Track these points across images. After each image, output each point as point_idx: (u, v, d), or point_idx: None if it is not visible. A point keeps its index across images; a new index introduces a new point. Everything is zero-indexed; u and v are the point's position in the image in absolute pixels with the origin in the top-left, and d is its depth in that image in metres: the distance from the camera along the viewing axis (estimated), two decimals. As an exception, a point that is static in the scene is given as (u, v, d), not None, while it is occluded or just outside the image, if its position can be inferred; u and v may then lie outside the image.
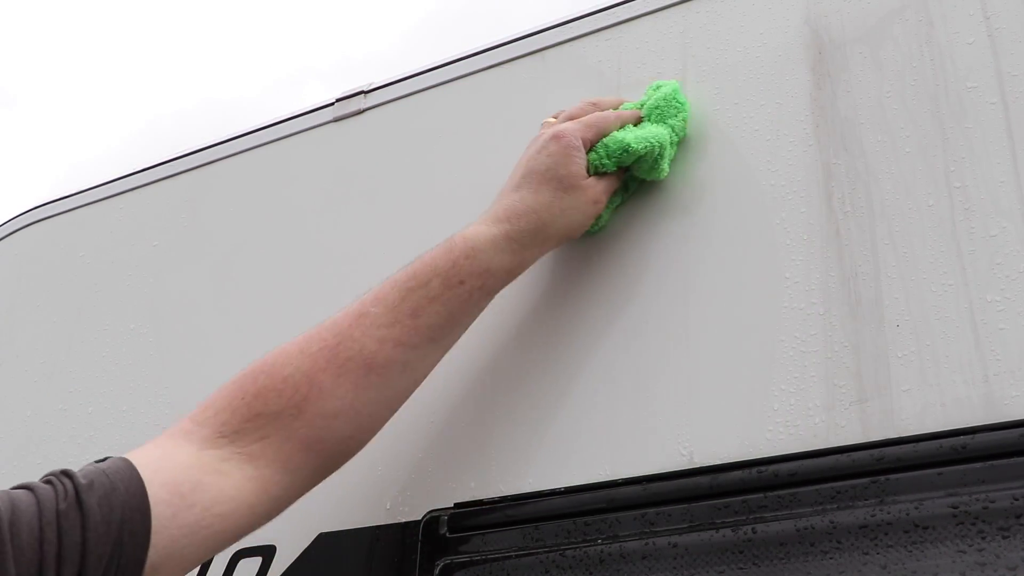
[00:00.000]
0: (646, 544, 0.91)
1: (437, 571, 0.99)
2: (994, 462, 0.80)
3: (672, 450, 0.95)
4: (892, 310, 0.92)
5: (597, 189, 1.06)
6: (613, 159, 1.05)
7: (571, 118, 1.08)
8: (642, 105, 1.11)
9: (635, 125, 1.09)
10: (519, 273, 1.04)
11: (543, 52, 1.27)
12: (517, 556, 0.97)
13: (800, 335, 0.95)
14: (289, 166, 1.43)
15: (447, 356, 1.03)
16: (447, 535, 1.01)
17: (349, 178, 1.36)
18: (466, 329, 1.02)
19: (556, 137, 1.04)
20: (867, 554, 0.82)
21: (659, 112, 1.09)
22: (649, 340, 1.02)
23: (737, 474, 0.90)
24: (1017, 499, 0.78)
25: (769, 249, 1.00)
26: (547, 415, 1.03)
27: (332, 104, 1.42)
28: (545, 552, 0.95)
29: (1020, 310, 0.86)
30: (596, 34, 1.23)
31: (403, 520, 1.04)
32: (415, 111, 1.34)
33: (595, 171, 1.06)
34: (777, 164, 1.04)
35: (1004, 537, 0.78)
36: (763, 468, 0.89)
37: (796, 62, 1.07)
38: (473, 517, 1.01)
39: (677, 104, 1.09)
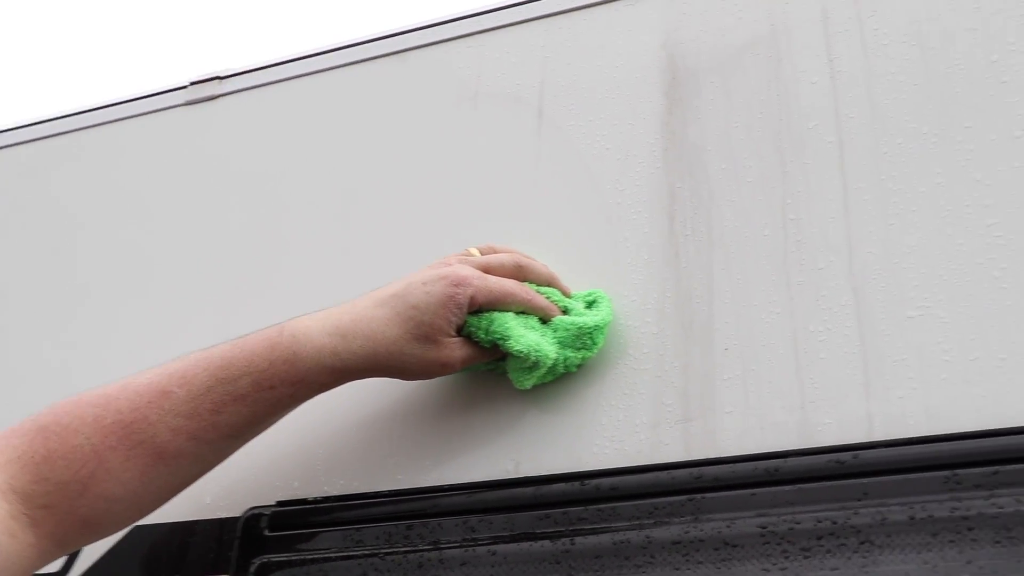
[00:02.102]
0: (466, 551, 0.92)
1: (253, 569, 0.98)
2: (802, 485, 0.84)
3: (499, 460, 0.96)
4: (722, 333, 0.95)
5: (456, 353, 0.93)
6: (488, 337, 0.93)
7: (489, 267, 0.96)
8: (565, 309, 0.98)
9: (542, 321, 0.97)
10: (333, 387, 0.94)
11: (405, 53, 1.27)
12: (337, 558, 0.96)
13: (633, 352, 0.97)
14: (137, 146, 1.40)
15: None
16: (267, 533, 0.99)
17: (196, 163, 1.34)
18: (269, 427, 0.95)
19: (449, 281, 0.92)
20: (678, 569, 0.84)
21: (564, 334, 0.96)
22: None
23: (560, 486, 0.92)
24: (820, 521, 0.82)
25: (611, 266, 1.02)
26: (376, 420, 1.03)
27: (185, 87, 1.39)
28: (365, 555, 0.95)
29: (839, 342, 0.90)
30: (459, 40, 1.24)
31: (222, 516, 1.03)
32: (271, 101, 1.33)
33: (466, 334, 0.94)
34: (625, 183, 1.06)
35: (805, 557, 0.81)
36: (586, 481, 0.91)
37: (650, 85, 1.10)
38: (295, 516, 1.00)
39: (588, 341, 0.96)
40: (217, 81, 1.37)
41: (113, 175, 1.39)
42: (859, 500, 0.81)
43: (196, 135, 1.36)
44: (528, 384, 0.95)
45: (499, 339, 0.93)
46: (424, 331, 0.91)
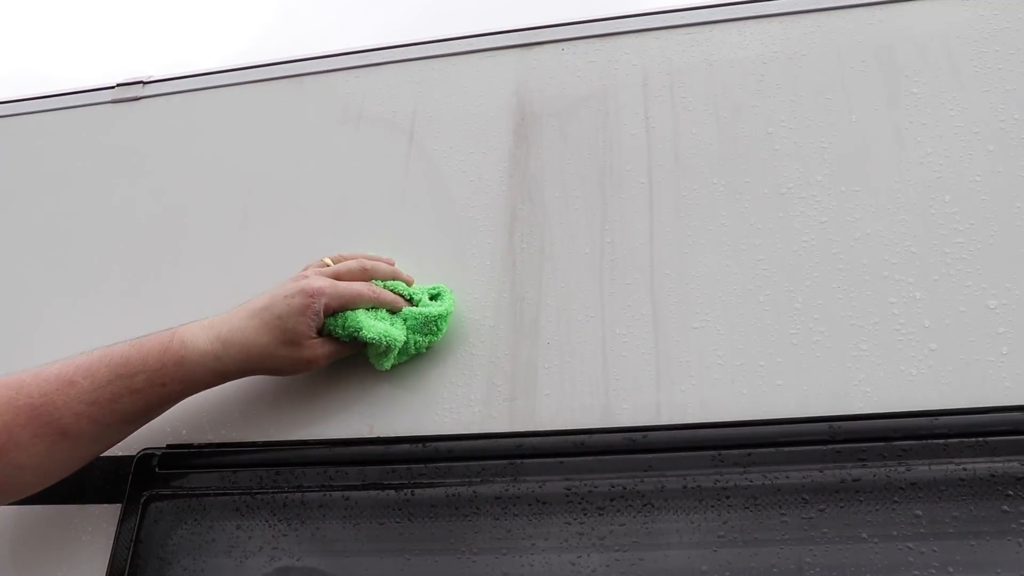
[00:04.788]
0: (324, 496, 0.90)
1: (143, 499, 0.94)
2: (602, 457, 0.86)
3: (356, 422, 0.95)
4: (546, 330, 0.96)
5: (318, 351, 0.93)
6: (345, 333, 0.93)
7: (339, 274, 0.96)
8: (410, 297, 0.98)
9: (391, 312, 0.97)
10: (216, 386, 0.93)
11: (301, 78, 1.24)
12: (215, 495, 0.93)
13: (472, 341, 0.97)
14: (63, 135, 1.31)
15: (182, 314, 0.98)
16: (157, 471, 0.95)
17: (115, 155, 1.27)
18: (156, 416, 0.93)
19: (305, 293, 0.91)
20: (498, 519, 0.85)
21: (413, 322, 0.96)
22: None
23: (405, 447, 0.91)
24: (614, 486, 0.84)
25: (460, 269, 1.02)
26: (255, 382, 0.99)
27: (113, 87, 1.32)
28: (239, 494, 0.92)
29: (638, 343, 0.92)
30: (347, 71, 1.22)
31: (119, 454, 0.98)
32: (186, 108, 1.27)
33: (327, 334, 0.94)
34: (476, 201, 1.06)
35: (600, 514, 0.83)
36: (427, 444, 0.91)
37: (502, 123, 1.11)
38: (182, 458, 0.96)
39: (434, 328, 0.97)
40: (141, 85, 1.31)
41: (39, 159, 1.30)
42: (645, 471, 0.84)
43: (118, 131, 1.28)
44: (387, 365, 0.95)
45: (354, 332, 0.93)
46: (289, 337, 0.91)
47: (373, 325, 0.93)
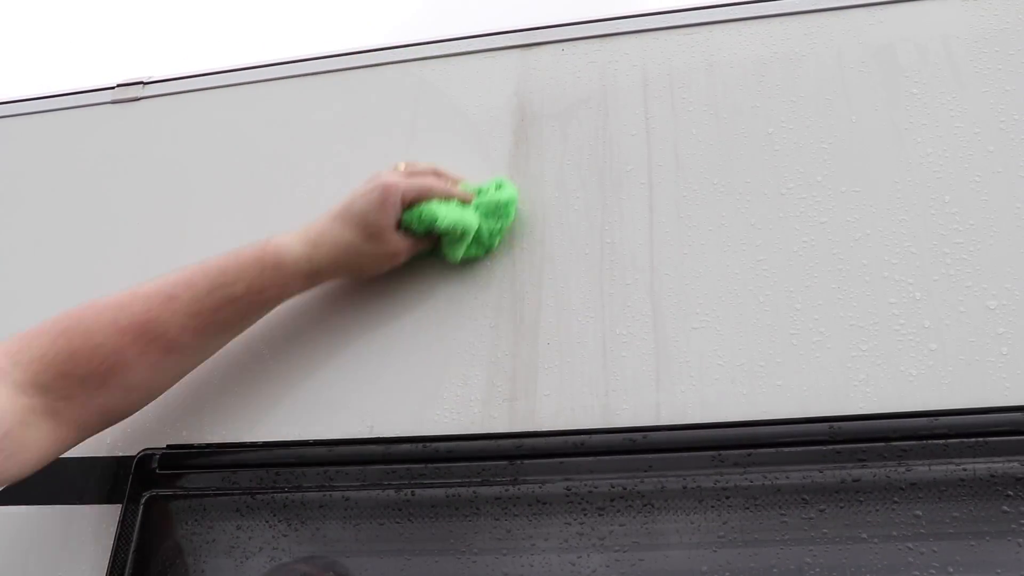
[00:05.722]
0: (324, 496, 0.91)
1: (143, 500, 0.94)
2: (602, 457, 0.86)
3: (357, 421, 0.95)
4: (546, 331, 0.96)
5: (400, 245, 0.98)
6: (422, 225, 0.98)
7: (413, 173, 1.00)
8: (478, 191, 1.03)
9: (460, 205, 1.00)
10: (309, 288, 0.99)
11: (302, 78, 1.24)
12: (215, 495, 0.93)
13: (473, 341, 0.97)
14: (64, 136, 1.32)
15: None
16: (157, 471, 0.96)
17: (114, 155, 1.27)
18: (252, 324, 0.97)
19: (382, 187, 0.96)
20: (498, 520, 0.86)
21: (485, 208, 1.01)
22: (350, 331, 1.02)
23: (406, 447, 0.91)
24: (614, 487, 0.84)
25: (459, 268, 1.02)
26: (256, 381, 0.99)
27: (113, 88, 1.32)
28: (239, 494, 0.93)
29: (638, 344, 0.92)
30: (348, 71, 1.22)
31: (120, 454, 0.98)
32: (186, 108, 1.27)
33: (405, 229, 0.98)
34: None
35: (600, 514, 0.84)
36: (427, 444, 0.91)
37: (502, 123, 1.11)
38: (182, 458, 0.96)
39: (504, 212, 1.01)
40: (141, 85, 1.31)
41: (39, 160, 1.30)
42: (645, 471, 0.84)
43: (118, 131, 1.29)
44: (459, 254, 1.00)
45: (430, 222, 0.97)
46: (372, 230, 0.96)
47: (449, 213, 0.98)
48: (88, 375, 0.86)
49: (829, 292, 0.90)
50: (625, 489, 0.84)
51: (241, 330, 0.96)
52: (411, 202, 0.98)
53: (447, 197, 1.00)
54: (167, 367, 0.91)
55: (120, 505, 0.95)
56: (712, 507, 0.81)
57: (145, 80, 1.32)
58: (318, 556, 0.89)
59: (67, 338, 0.86)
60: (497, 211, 1.01)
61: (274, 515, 0.91)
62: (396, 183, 0.97)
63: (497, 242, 1.02)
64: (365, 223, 0.95)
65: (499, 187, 1.03)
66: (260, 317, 0.97)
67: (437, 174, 1.02)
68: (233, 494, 0.93)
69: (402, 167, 1.01)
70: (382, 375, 0.97)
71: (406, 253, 0.99)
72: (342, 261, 0.97)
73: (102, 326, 0.87)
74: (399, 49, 1.21)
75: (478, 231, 1.00)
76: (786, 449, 0.82)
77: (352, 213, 0.96)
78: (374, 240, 0.96)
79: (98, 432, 0.91)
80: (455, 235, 0.99)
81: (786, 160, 0.99)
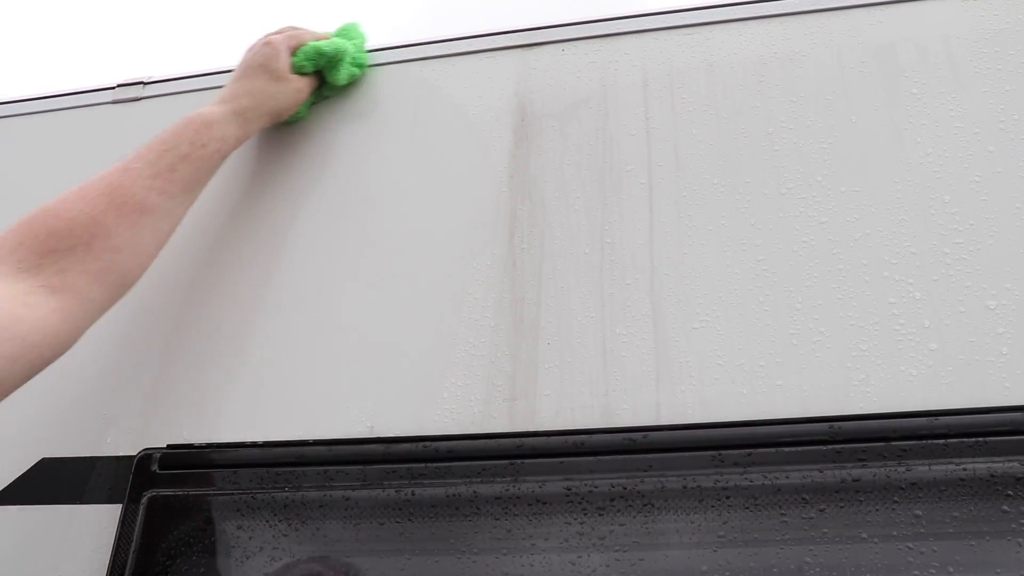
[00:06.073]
0: (324, 495, 0.90)
1: (144, 500, 0.94)
2: (602, 457, 0.86)
3: (357, 421, 0.95)
4: (546, 331, 0.96)
5: (299, 83, 1.16)
6: (310, 61, 1.16)
7: (282, 32, 1.19)
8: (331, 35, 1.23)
9: (329, 40, 1.19)
10: (244, 140, 1.11)
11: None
12: (216, 495, 0.93)
13: (473, 341, 0.97)
14: (65, 137, 1.32)
15: (182, 314, 1.03)
16: (157, 471, 0.96)
17: (114, 157, 1.26)
18: (205, 185, 1.06)
19: (267, 43, 1.15)
20: (498, 519, 0.85)
21: (343, 34, 1.22)
22: (349, 330, 1.02)
23: (406, 446, 0.91)
24: (614, 486, 0.84)
25: (460, 268, 1.02)
26: (256, 381, 0.99)
27: (113, 88, 1.32)
28: (239, 494, 0.92)
29: (638, 344, 0.92)
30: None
31: (120, 454, 0.98)
32: (186, 108, 1.25)
33: (297, 71, 1.16)
34: (477, 200, 1.06)
35: (600, 514, 0.83)
36: (427, 444, 0.91)
37: (502, 123, 1.11)
38: (182, 458, 0.96)
39: (356, 33, 1.22)
40: (141, 86, 1.31)
41: (39, 160, 1.30)
42: (645, 471, 0.84)
43: (118, 131, 1.28)
44: (343, 76, 1.18)
45: (315, 55, 1.17)
46: (276, 74, 1.13)
47: (324, 45, 1.17)
48: (73, 246, 0.89)
49: (829, 292, 0.90)
50: (625, 489, 0.84)
51: (198, 188, 1.05)
52: (293, 49, 1.17)
53: (317, 38, 1.19)
54: (145, 228, 0.96)
55: (120, 505, 0.95)
56: (712, 507, 0.81)
57: (145, 80, 1.32)
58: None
59: (41, 221, 0.90)
60: (349, 32, 1.21)
61: (274, 515, 0.91)
62: (276, 38, 1.16)
63: (366, 58, 1.21)
64: (267, 70, 1.13)
65: (343, 27, 1.23)
66: (209, 175, 1.06)
67: (295, 28, 1.20)
68: (233, 494, 0.93)
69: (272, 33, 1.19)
70: (382, 375, 0.97)
71: (307, 88, 1.17)
72: (260, 106, 1.12)
73: (72, 203, 0.92)
74: (399, 49, 1.21)
75: (348, 52, 1.19)
76: (786, 449, 0.82)
77: (254, 67, 1.13)
78: (279, 82, 1.13)
79: (104, 305, 0.93)
80: (334, 61, 1.17)
81: (786, 160, 0.99)
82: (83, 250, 0.89)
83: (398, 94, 1.18)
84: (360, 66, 1.21)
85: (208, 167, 1.05)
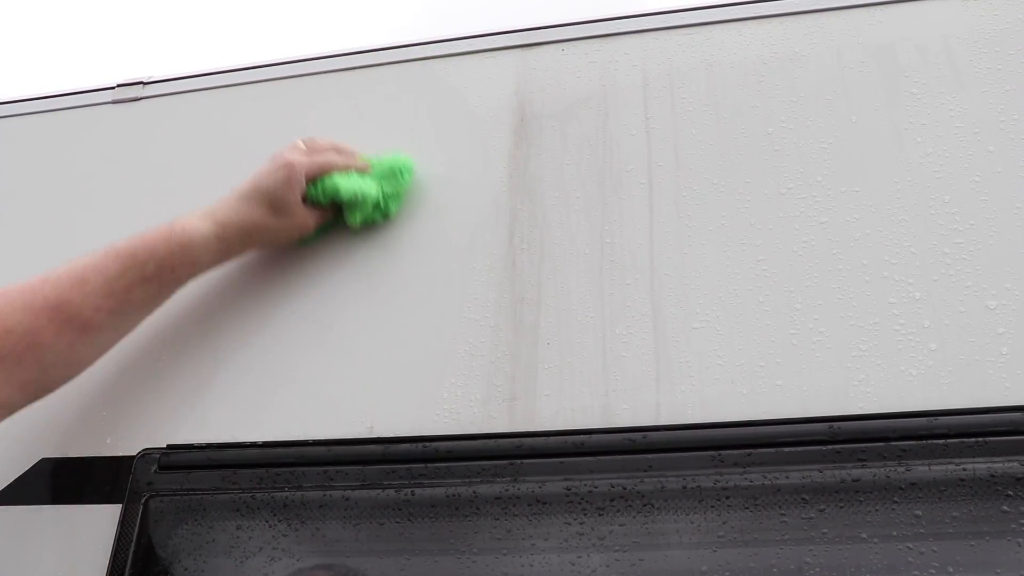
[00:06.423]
0: (324, 495, 0.90)
1: (143, 500, 0.94)
2: (601, 457, 0.86)
3: (356, 421, 0.95)
4: (546, 331, 0.96)
5: (307, 217, 1.05)
6: (326, 197, 1.05)
7: (314, 149, 1.06)
8: (375, 162, 1.09)
9: (360, 175, 1.07)
10: (222, 263, 1.03)
11: (301, 78, 1.24)
12: (215, 495, 0.93)
13: (473, 341, 0.97)
14: (65, 137, 1.32)
15: (182, 314, 1.03)
16: (157, 471, 0.96)
17: (114, 155, 1.27)
18: (161, 305, 1.00)
19: (286, 166, 1.02)
20: (498, 520, 0.86)
21: (380, 174, 1.08)
22: (349, 330, 1.02)
23: (406, 446, 0.91)
24: (613, 486, 0.84)
25: (460, 268, 1.02)
26: (257, 381, 1.00)
27: (113, 88, 1.32)
28: (239, 493, 0.92)
29: (638, 344, 0.92)
30: (348, 71, 1.22)
31: (120, 454, 0.98)
32: (186, 108, 1.27)
33: (311, 201, 1.05)
34: (476, 200, 1.06)
35: (600, 514, 0.83)
36: (427, 444, 0.91)
37: (502, 124, 1.11)
38: (182, 458, 0.96)
39: (399, 176, 1.07)
40: (141, 86, 1.31)
41: (39, 160, 1.31)
42: (645, 471, 0.84)
43: (118, 131, 1.29)
44: (358, 219, 1.06)
45: (333, 193, 1.05)
46: (279, 207, 1.02)
47: (348, 185, 1.05)
48: (6, 355, 0.87)
49: (829, 292, 0.90)
50: (625, 489, 0.84)
51: (156, 307, 0.99)
52: (313, 177, 1.05)
53: (346, 169, 1.06)
54: (84, 345, 0.93)
55: (120, 505, 0.95)
56: (712, 507, 0.81)
57: (145, 80, 1.32)
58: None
59: None
60: (392, 176, 1.07)
61: (274, 515, 0.91)
62: (299, 161, 1.03)
63: (395, 208, 1.07)
64: (272, 200, 1.02)
65: (395, 157, 1.09)
66: (173, 293, 1.00)
67: (337, 149, 1.08)
68: (233, 494, 0.93)
69: (302, 144, 1.06)
70: (382, 375, 0.97)
71: (313, 223, 1.06)
72: (252, 237, 1.03)
73: (14, 309, 0.88)
74: (400, 49, 1.21)
75: (376, 196, 1.06)
76: (786, 449, 0.82)
77: (259, 192, 1.02)
78: (282, 215, 1.02)
79: (18, 409, 0.91)
80: (355, 203, 1.05)
81: (786, 160, 0.99)
82: (14, 361, 0.87)
83: (398, 94, 1.18)
84: (385, 214, 1.07)
85: (173, 289, 0.99)
